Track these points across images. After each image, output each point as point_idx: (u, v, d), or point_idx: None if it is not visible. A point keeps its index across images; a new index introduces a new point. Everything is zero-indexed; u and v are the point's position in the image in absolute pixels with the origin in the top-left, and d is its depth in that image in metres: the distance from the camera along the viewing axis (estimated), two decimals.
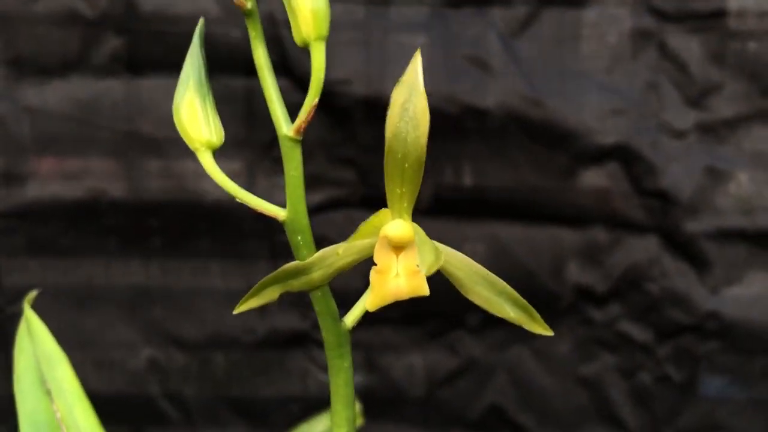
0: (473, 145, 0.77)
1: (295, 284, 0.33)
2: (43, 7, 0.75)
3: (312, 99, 0.31)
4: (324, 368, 0.81)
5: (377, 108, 0.76)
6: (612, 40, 0.77)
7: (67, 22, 0.75)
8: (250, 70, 0.85)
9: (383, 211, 0.31)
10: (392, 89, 0.87)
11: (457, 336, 0.81)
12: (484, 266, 0.88)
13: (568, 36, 0.77)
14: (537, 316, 0.34)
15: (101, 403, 0.82)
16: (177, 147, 0.77)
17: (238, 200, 0.33)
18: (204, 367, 0.81)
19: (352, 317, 0.35)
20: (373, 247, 0.30)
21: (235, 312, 0.33)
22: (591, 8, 0.77)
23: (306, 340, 0.81)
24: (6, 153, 0.77)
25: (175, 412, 0.82)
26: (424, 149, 0.29)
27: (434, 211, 0.78)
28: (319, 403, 0.75)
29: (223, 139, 0.34)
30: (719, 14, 0.77)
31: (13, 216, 0.78)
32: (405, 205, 0.30)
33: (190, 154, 0.85)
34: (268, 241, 0.78)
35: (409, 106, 0.28)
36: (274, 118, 0.32)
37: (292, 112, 0.86)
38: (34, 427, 0.47)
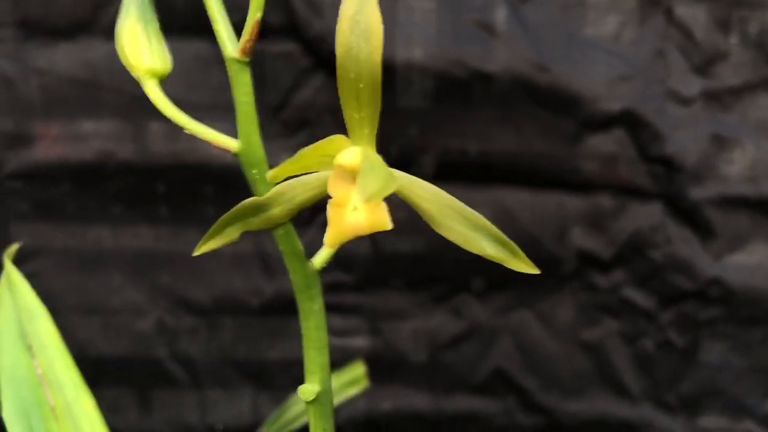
0: (479, 110, 0.78)
1: (255, 222, 0.31)
2: None
3: (254, 14, 0.29)
4: (332, 331, 0.82)
5: (386, 71, 0.76)
6: (619, 7, 0.77)
7: None
8: (260, 34, 0.85)
9: (337, 137, 0.28)
10: (402, 53, 0.87)
11: (461, 300, 0.82)
12: None
13: (576, 2, 0.77)
14: (519, 252, 0.31)
15: (108, 366, 0.83)
16: (186, 109, 0.77)
17: (187, 131, 0.31)
18: (211, 330, 0.82)
19: (320, 258, 0.33)
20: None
21: (194, 254, 0.32)
22: None
23: None
24: (14, 114, 0.77)
25: (183, 374, 0.83)
26: (379, 66, 0.26)
27: (439, 177, 0.79)
28: None
29: (169, 68, 0.32)
30: None
31: (21, 177, 0.78)
32: (366, 131, 0.28)
33: (200, 116, 0.86)
34: None
35: (360, 18, 0.26)
36: (219, 40, 0.30)
37: (302, 76, 0.86)
38: (14, 383, 0.46)
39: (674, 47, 0.78)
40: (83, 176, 0.79)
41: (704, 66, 0.78)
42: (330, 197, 0.28)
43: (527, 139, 0.78)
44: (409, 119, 0.78)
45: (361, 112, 0.27)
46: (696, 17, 0.78)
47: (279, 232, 0.32)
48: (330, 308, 0.82)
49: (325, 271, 0.89)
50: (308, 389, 0.33)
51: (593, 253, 0.80)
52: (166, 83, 0.79)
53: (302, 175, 0.29)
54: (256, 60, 0.84)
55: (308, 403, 0.33)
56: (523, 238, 0.79)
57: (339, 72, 0.26)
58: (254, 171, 0.30)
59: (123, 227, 0.80)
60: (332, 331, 0.82)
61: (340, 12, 0.26)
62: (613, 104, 0.77)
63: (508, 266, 0.31)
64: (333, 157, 0.28)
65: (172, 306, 0.82)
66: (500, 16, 0.76)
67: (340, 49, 0.26)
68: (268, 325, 0.82)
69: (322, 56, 0.76)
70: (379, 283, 0.82)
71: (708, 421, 0.84)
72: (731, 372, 0.83)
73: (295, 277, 0.33)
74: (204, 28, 0.80)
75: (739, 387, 0.83)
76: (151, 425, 0.83)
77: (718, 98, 0.79)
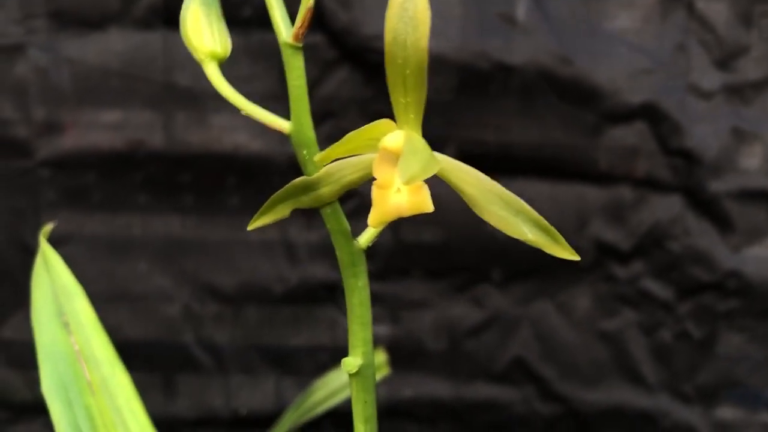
0: (501, 102, 0.79)
1: (305, 200, 0.32)
2: None
3: (307, 1, 0.30)
4: None
5: None
6: (641, 1, 0.78)
7: None
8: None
9: (384, 121, 0.29)
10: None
11: (482, 290, 0.83)
12: None
13: None
14: (560, 238, 0.31)
15: (135, 351, 0.85)
16: (213, 100, 0.78)
17: (243, 113, 0.32)
18: (236, 316, 0.84)
19: (365, 237, 0.34)
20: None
21: (249, 228, 0.33)
22: None
23: (336, 290, 0.83)
24: (46, 103, 0.79)
25: (208, 360, 0.85)
26: (426, 53, 0.27)
27: None
28: (348, 352, 0.77)
29: (229, 51, 0.33)
30: None
31: (53, 165, 0.80)
32: (411, 116, 0.28)
33: (226, 107, 0.87)
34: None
35: (408, 6, 0.26)
36: (274, 25, 0.31)
37: (326, 68, 0.87)
38: (52, 358, 0.47)
39: (695, 41, 0.78)
40: (112, 165, 0.80)
41: (725, 60, 0.79)
42: (374, 179, 0.29)
43: (548, 131, 0.79)
44: (432, 110, 0.78)
45: (407, 97, 0.28)
46: (717, 12, 0.78)
47: (326, 211, 0.33)
48: None
49: None
50: (351, 362, 0.34)
51: (613, 244, 0.81)
52: (192, 74, 0.81)
53: (350, 156, 0.30)
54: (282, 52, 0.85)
55: (351, 375, 0.34)
56: None
57: (387, 58, 0.27)
58: (304, 151, 0.31)
59: (151, 215, 0.82)
60: None
61: None
62: (635, 97, 0.78)
63: (549, 252, 0.31)
64: (379, 140, 0.28)
65: (199, 292, 0.83)
66: (523, 8, 0.77)
67: (388, 36, 0.27)
68: (292, 312, 0.84)
69: (347, 49, 0.78)
70: (400, 272, 0.83)
71: (724, 412, 0.84)
72: (748, 364, 0.84)
73: (341, 255, 0.33)
74: (230, 21, 0.81)
75: (756, 379, 0.84)
76: (176, 409, 0.85)
77: (738, 92, 0.79)
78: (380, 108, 0.80)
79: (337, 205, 0.33)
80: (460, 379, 0.85)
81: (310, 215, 0.81)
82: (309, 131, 0.31)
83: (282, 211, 0.32)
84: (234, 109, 0.86)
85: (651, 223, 0.81)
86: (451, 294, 0.84)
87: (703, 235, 0.81)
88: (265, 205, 0.32)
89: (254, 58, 0.78)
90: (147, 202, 0.82)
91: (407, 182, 0.26)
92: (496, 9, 0.77)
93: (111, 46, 0.78)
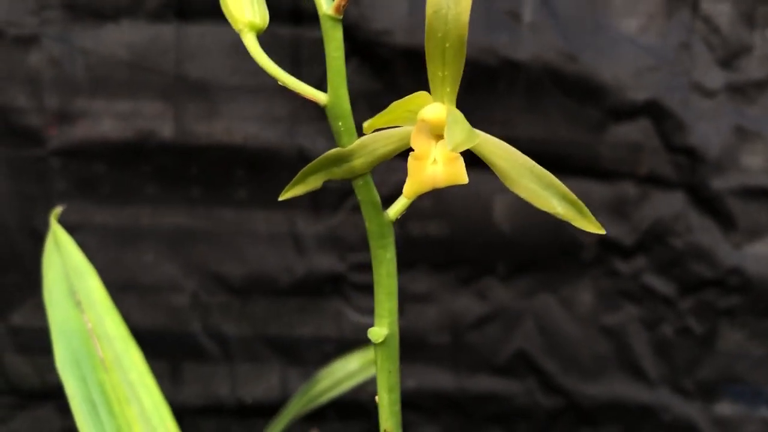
0: (508, 98, 0.80)
1: (337, 172, 0.32)
2: None
3: None
4: (359, 310, 0.84)
5: (418, 58, 0.78)
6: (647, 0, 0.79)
7: None
8: (297, 19, 0.88)
9: (422, 94, 0.29)
10: None
11: (485, 283, 0.84)
12: (516, 215, 0.91)
13: None
14: (587, 212, 0.31)
15: (143, 339, 0.86)
16: (223, 92, 0.79)
17: (280, 83, 0.32)
18: (243, 306, 0.85)
19: (395, 209, 0.34)
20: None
21: (280, 198, 0.33)
22: None
23: (342, 281, 0.84)
24: (60, 93, 0.80)
25: (215, 348, 0.86)
26: (466, 27, 0.27)
27: (467, 163, 0.81)
28: (354, 344, 0.78)
29: (267, 22, 0.33)
30: None
31: (65, 154, 0.81)
32: (447, 89, 0.29)
33: (236, 99, 0.88)
34: None
35: None
36: None
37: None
38: (65, 335, 0.47)
39: (699, 40, 0.79)
40: (123, 155, 0.82)
41: (728, 59, 0.80)
42: (411, 150, 0.29)
43: (554, 127, 0.80)
44: None
45: (445, 70, 0.28)
46: (722, 12, 0.79)
47: (358, 183, 0.33)
48: (357, 288, 0.84)
49: (352, 251, 0.92)
50: (377, 332, 0.35)
51: (616, 239, 0.82)
52: (203, 66, 0.82)
53: (385, 129, 0.31)
54: (293, 45, 0.86)
55: (376, 345, 0.35)
56: (547, 223, 0.81)
57: (427, 31, 0.27)
58: (339, 123, 0.31)
59: (160, 205, 0.83)
60: (360, 310, 0.84)
61: None
62: (639, 94, 0.79)
63: (576, 225, 0.32)
64: (416, 112, 0.29)
65: (206, 282, 0.84)
66: (530, 6, 0.79)
67: (429, 9, 0.27)
68: (298, 303, 0.85)
69: (356, 43, 0.79)
70: (405, 265, 0.84)
71: (724, 407, 0.85)
72: (748, 360, 0.85)
73: (371, 226, 0.34)
74: None
75: (755, 375, 0.85)
76: (183, 397, 0.86)
77: (741, 91, 0.80)
78: (389, 101, 0.81)
79: (369, 177, 0.33)
80: (463, 371, 0.86)
81: (318, 207, 0.82)
82: (345, 103, 0.31)
83: (314, 183, 0.33)
84: (244, 100, 0.87)
85: (654, 219, 0.82)
86: (455, 287, 0.85)
87: (705, 232, 0.82)
88: (297, 176, 0.32)
89: (264, 50, 0.79)
90: (156, 192, 0.83)
91: (454, 149, 0.27)
92: (503, 6, 0.78)
93: (124, 38, 0.79)
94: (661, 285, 0.83)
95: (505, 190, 0.79)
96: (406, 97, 0.28)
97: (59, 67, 0.79)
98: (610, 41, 0.79)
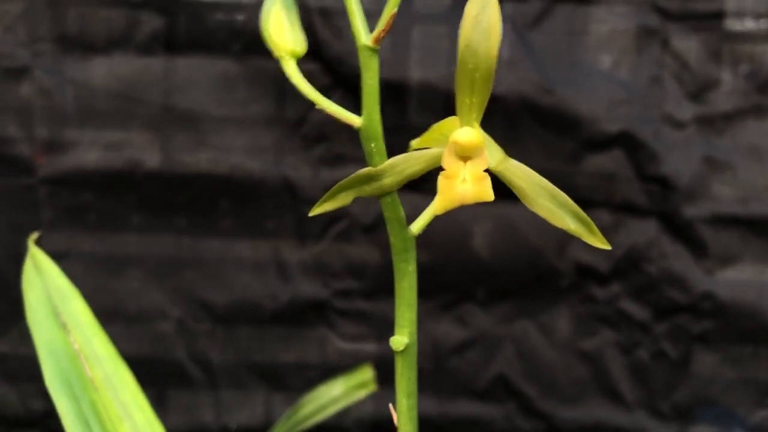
0: (486, 129, 0.82)
1: (367, 189, 0.34)
2: None
3: (391, 9, 0.32)
4: (342, 336, 0.86)
5: (402, 90, 0.81)
6: (619, 36, 0.83)
7: (112, 3, 0.80)
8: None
9: (452, 119, 0.31)
10: (416, 74, 0.92)
11: (466, 309, 0.86)
12: (494, 245, 0.92)
13: (578, 31, 0.83)
14: (595, 229, 0.34)
15: (129, 365, 0.86)
16: (210, 123, 0.82)
17: (318, 108, 0.34)
18: (228, 333, 0.86)
19: (418, 224, 0.35)
20: (440, 156, 0.32)
21: (310, 214, 0.35)
22: (600, 6, 0.82)
23: (326, 308, 0.86)
24: (50, 123, 0.81)
25: (200, 375, 0.87)
26: (495, 60, 0.29)
27: None
28: (337, 369, 0.79)
29: (305, 49, 0.36)
30: (719, 15, 0.82)
31: (54, 183, 0.83)
32: (474, 115, 0.31)
33: (222, 129, 0.90)
34: (293, 214, 0.83)
35: (482, 18, 0.29)
36: (354, 30, 0.33)
37: (323, 93, 0.90)
38: (53, 355, 0.48)
39: (670, 75, 0.83)
40: (111, 184, 0.83)
41: (697, 93, 0.83)
42: (442, 169, 0.32)
43: (531, 157, 0.83)
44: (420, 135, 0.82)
45: (473, 98, 0.31)
46: (690, 48, 0.83)
47: (386, 200, 0.35)
48: (341, 315, 0.86)
49: (336, 278, 0.93)
50: (399, 340, 0.36)
51: (591, 266, 0.85)
52: (190, 97, 0.84)
53: (414, 150, 0.33)
54: (278, 78, 0.89)
55: (397, 353, 0.36)
56: (526, 250, 0.84)
57: (459, 63, 0.30)
58: (372, 144, 0.34)
59: (146, 234, 0.84)
60: (343, 337, 0.86)
61: (464, 11, 0.29)
62: (612, 126, 0.82)
63: (585, 240, 0.34)
64: (446, 135, 0.31)
65: (192, 310, 0.86)
66: (508, 41, 0.82)
67: (462, 43, 0.29)
68: (283, 330, 0.86)
69: (340, 75, 0.81)
70: (388, 291, 0.86)
71: (699, 430, 0.87)
72: (722, 383, 0.87)
73: (395, 241, 0.35)
74: (228, 48, 0.85)
75: (729, 398, 0.87)
76: (168, 423, 0.86)
77: (710, 123, 0.84)
78: None
79: (396, 195, 0.35)
80: (445, 396, 0.87)
81: (302, 235, 0.84)
82: (378, 126, 0.33)
83: (344, 199, 0.35)
84: (230, 131, 0.89)
85: (628, 246, 0.84)
86: (436, 313, 0.86)
87: (678, 259, 0.84)
88: (328, 192, 0.34)
89: (251, 83, 0.81)
90: (143, 221, 0.84)
91: (497, 165, 0.31)
92: None
93: (113, 70, 0.81)
94: (636, 310, 0.86)
95: (482, 219, 0.82)
96: (440, 122, 0.31)
97: (50, 98, 0.81)
98: (584, 76, 0.82)
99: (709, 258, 0.84)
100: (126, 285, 0.85)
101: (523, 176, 0.34)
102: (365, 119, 0.33)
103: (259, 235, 0.84)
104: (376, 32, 0.32)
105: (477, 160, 0.31)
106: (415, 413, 0.38)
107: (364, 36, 0.33)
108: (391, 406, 0.38)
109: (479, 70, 0.30)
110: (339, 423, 0.84)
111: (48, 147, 0.81)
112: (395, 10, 0.32)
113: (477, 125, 0.31)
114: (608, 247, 0.34)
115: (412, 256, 0.36)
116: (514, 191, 0.33)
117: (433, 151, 0.32)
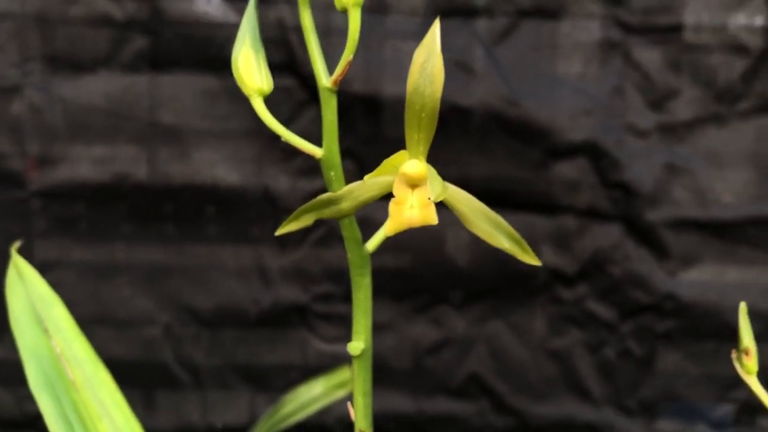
0: (458, 140, 0.86)
1: (327, 212, 0.37)
2: (78, 9, 0.84)
3: (348, 55, 0.35)
4: (323, 338, 0.90)
5: (374, 105, 0.85)
6: (583, 49, 0.86)
7: (99, 24, 0.84)
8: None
9: (401, 153, 0.35)
10: (389, 88, 0.96)
11: (441, 311, 0.90)
12: (466, 248, 0.96)
13: (544, 45, 0.86)
14: (528, 248, 0.38)
15: (119, 368, 0.90)
16: (194, 136, 0.86)
17: (283, 139, 0.37)
18: (213, 337, 0.90)
19: (373, 243, 0.39)
20: (392, 183, 0.35)
21: (276, 234, 0.39)
22: (565, 21, 0.86)
23: (306, 312, 0.89)
24: (41, 139, 0.85)
25: (187, 377, 0.90)
26: (438, 102, 0.33)
27: None
28: (318, 370, 0.83)
29: (272, 87, 0.38)
30: (678, 28, 0.85)
31: (46, 196, 0.86)
32: (421, 148, 0.34)
33: (205, 142, 0.94)
34: (273, 222, 0.87)
35: (427, 66, 0.32)
36: (315, 72, 0.37)
37: (297, 108, 0.94)
38: (37, 359, 0.51)
39: (632, 86, 0.86)
40: (100, 196, 0.87)
41: (658, 102, 0.87)
42: (392, 196, 0.35)
43: (500, 166, 0.87)
44: (395, 148, 0.86)
45: (420, 134, 0.34)
46: (651, 59, 0.86)
47: (344, 222, 0.38)
48: (321, 318, 0.90)
49: (315, 283, 0.97)
50: (356, 346, 0.40)
51: (559, 269, 0.89)
52: (175, 113, 0.88)
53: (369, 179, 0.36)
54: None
55: (354, 357, 0.40)
56: (497, 254, 0.87)
57: (408, 104, 0.34)
58: (332, 173, 0.37)
59: (135, 243, 0.88)
60: (324, 339, 0.90)
61: (413, 58, 0.32)
62: (577, 135, 0.86)
63: (519, 258, 0.39)
64: (396, 166, 0.35)
65: (178, 315, 0.89)
66: (477, 56, 0.85)
67: (409, 87, 0.33)
68: (265, 333, 0.90)
69: (316, 91, 0.85)
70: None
71: (664, 424, 0.91)
72: (686, 379, 0.91)
73: (353, 257, 0.39)
74: (210, 65, 0.88)
75: (693, 393, 0.91)
76: (155, 423, 0.90)
77: (671, 131, 0.87)
78: (348, 143, 0.87)
79: (353, 218, 0.38)
80: (421, 395, 0.91)
81: (283, 242, 0.88)
82: (336, 157, 0.37)
83: (306, 221, 0.38)
84: (213, 144, 0.93)
85: (593, 249, 0.88)
86: (412, 315, 0.90)
87: (641, 261, 0.88)
88: (292, 214, 0.37)
89: (232, 98, 0.85)
90: (132, 230, 0.88)
91: (436, 198, 0.34)
92: (452, 56, 0.85)
93: (100, 87, 0.85)
94: (602, 311, 0.89)
95: (454, 225, 0.87)
96: (392, 155, 0.34)
97: (40, 115, 0.85)
98: (549, 88, 0.86)
99: (671, 260, 0.88)
100: (115, 292, 0.89)
101: (464, 201, 0.37)
102: (326, 150, 0.37)
103: (242, 242, 0.88)
104: (334, 76, 0.36)
105: (423, 188, 0.34)
106: (370, 410, 0.42)
107: (324, 78, 0.36)
108: (349, 404, 0.42)
109: (425, 110, 0.33)
110: (321, 421, 0.88)
111: (39, 161, 0.85)
112: (351, 57, 0.35)
113: (423, 159, 0.35)
114: (539, 263, 0.39)
115: (367, 270, 0.40)
116: (456, 215, 0.37)
117: (386, 179, 0.36)
